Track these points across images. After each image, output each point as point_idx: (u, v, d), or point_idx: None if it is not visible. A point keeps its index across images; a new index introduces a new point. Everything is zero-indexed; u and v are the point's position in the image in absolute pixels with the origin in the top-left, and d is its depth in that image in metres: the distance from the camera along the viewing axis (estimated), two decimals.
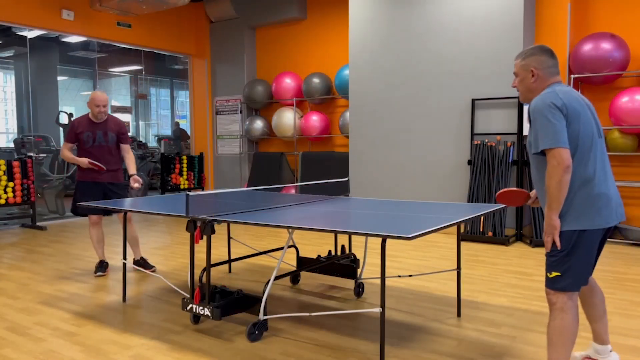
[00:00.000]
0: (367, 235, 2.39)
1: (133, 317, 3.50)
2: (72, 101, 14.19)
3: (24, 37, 11.32)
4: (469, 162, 6.30)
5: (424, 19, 6.61)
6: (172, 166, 9.02)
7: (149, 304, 3.78)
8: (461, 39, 6.36)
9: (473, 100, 6.29)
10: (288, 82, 8.56)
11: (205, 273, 3.23)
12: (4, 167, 6.89)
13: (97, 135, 4.60)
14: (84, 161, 4.51)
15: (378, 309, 2.58)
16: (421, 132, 6.73)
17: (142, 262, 4.77)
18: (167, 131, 16.57)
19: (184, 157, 9.22)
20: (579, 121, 2.18)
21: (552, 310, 2.25)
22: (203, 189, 9.59)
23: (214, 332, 3.18)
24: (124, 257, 3.87)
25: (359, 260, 3.97)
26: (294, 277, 4.31)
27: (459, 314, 3.47)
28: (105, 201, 4.08)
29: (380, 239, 5.43)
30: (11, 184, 6.95)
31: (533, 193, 2.61)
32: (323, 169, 8.13)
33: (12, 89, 12.85)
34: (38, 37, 11.79)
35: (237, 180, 9.68)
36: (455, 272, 4.37)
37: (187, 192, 3.13)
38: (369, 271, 4.66)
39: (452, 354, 2.82)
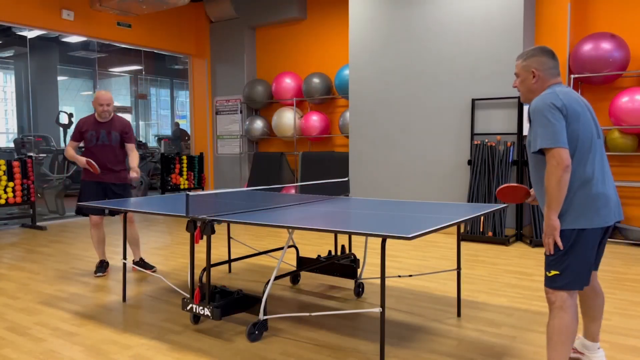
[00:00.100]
0: (367, 235, 2.39)
1: (133, 317, 3.50)
2: (72, 101, 14.19)
3: (24, 37, 11.32)
4: (469, 162, 6.30)
5: (424, 19, 6.61)
6: (172, 166, 9.02)
7: (149, 304, 3.78)
8: (461, 39, 6.36)
9: (473, 100, 6.29)
10: (288, 82, 8.56)
11: (205, 273, 3.23)
12: (4, 167, 6.89)
13: (101, 134, 4.58)
14: (82, 160, 4.49)
15: (378, 309, 2.58)
16: (421, 132, 6.73)
17: (141, 263, 4.77)
18: (167, 131, 16.57)
19: (184, 157, 9.22)
20: (578, 122, 2.19)
21: (552, 309, 2.26)
22: (203, 189, 9.59)
23: (214, 332, 3.18)
24: (124, 257, 3.87)
25: (359, 260, 3.97)
26: (294, 277, 4.31)
27: (459, 314, 3.47)
28: (105, 201, 4.08)
29: (380, 239, 5.43)
30: (11, 184, 6.95)
31: (532, 191, 2.62)
32: (323, 169, 8.13)
33: (12, 89, 12.85)
34: (38, 37, 11.79)
35: (237, 180, 9.68)
36: (455, 272, 4.37)
37: (187, 192, 3.13)
38: (369, 271, 4.66)
39: (452, 354, 2.82)
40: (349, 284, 4.27)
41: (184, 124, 14.60)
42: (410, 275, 3.98)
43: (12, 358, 2.83)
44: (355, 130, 7.31)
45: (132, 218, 4.78)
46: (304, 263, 4.14)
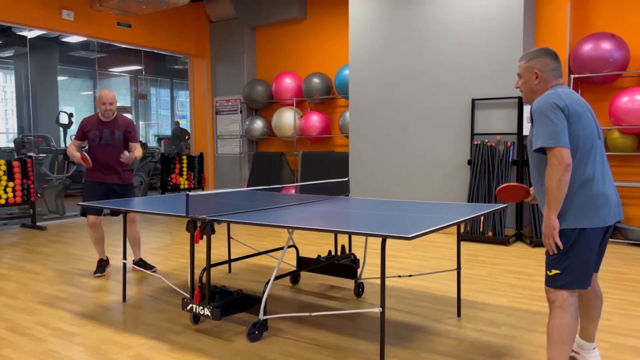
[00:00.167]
0: (367, 235, 2.39)
1: (133, 317, 3.50)
2: (72, 101, 14.19)
3: (24, 37, 11.32)
4: (469, 162, 6.30)
5: (424, 19, 6.61)
6: (172, 166, 9.02)
7: (149, 304, 3.78)
8: (461, 39, 6.36)
9: (473, 100, 6.29)
10: (288, 82, 8.56)
11: (205, 273, 3.23)
12: (4, 167, 6.89)
13: (104, 133, 4.55)
14: (78, 156, 4.47)
15: (378, 309, 2.58)
16: (421, 132, 6.73)
17: (141, 264, 4.76)
18: (167, 131, 16.57)
19: (184, 157, 9.22)
20: (579, 122, 2.21)
21: (552, 309, 2.27)
22: (203, 189, 9.59)
23: (214, 332, 3.18)
24: (124, 257, 3.87)
25: (359, 260, 3.97)
26: (294, 277, 4.31)
27: (459, 314, 3.47)
28: (105, 201, 4.08)
29: (380, 239, 5.43)
30: (11, 184, 6.95)
31: (532, 190, 2.63)
32: (323, 169, 8.13)
33: (12, 89, 12.85)
34: (38, 37, 11.79)
35: (237, 180, 9.68)
36: (455, 272, 4.37)
37: (187, 192, 3.13)
38: (369, 271, 4.66)
39: (452, 354, 2.82)
40: (349, 284, 4.27)
41: (184, 124, 14.61)
42: (410, 275, 3.98)
43: (12, 358, 2.83)
44: (355, 130, 7.31)
45: (134, 218, 4.77)
46: (304, 263, 4.14)
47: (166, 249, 5.85)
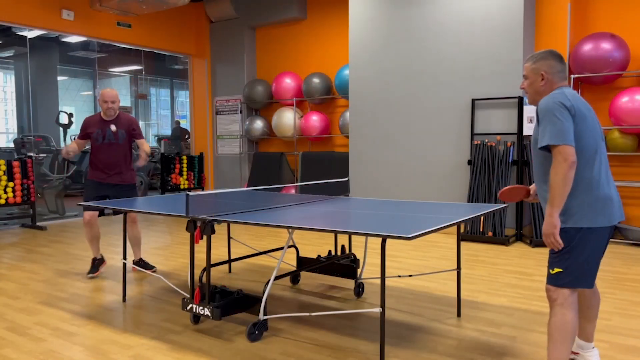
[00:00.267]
0: (367, 235, 2.39)
1: (133, 317, 3.50)
2: (72, 101, 14.20)
3: (24, 37, 11.32)
4: (469, 162, 6.30)
5: (424, 19, 6.61)
6: (172, 166, 9.02)
7: (149, 304, 3.78)
8: (461, 39, 6.36)
9: (473, 100, 6.29)
10: (288, 82, 8.56)
11: (205, 273, 3.23)
12: (4, 167, 6.89)
13: (107, 132, 4.51)
14: (63, 150, 4.48)
15: (378, 309, 2.58)
16: (421, 132, 6.73)
17: (141, 264, 4.76)
18: (167, 131, 16.58)
19: (184, 157, 9.22)
20: (585, 123, 2.24)
21: (553, 307, 2.28)
22: (203, 189, 9.59)
23: (214, 332, 3.18)
24: (124, 257, 3.87)
25: (359, 260, 3.97)
26: (294, 277, 4.31)
27: (459, 314, 3.47)
28: (105, 201, 4.08)
29: (380, 239, 5.43)
30: (11, 184, 6.95)
31: (533, 188, 2.66)
32: (323, 169, 8.13)
33: (12, 89, 12.86)
34: (38, 37, 11.80)
35: (237, 180, 9.68)
36: (455, 272, 4.37)
37: (187, 192, 3.13)
38: (369, 271, 4.66)
39: (452, 354, 2.82)
40: (349, 284, 4.27)
41: (184, 124, 14.61)
42: (410, 275, 3.98)
43: (12, 358, 2.83)
44: (355, 130, 7.31)
45: (136, 218, 4.76)
46: (304, 263, 4.14)
47: (166, 249, 5.85)
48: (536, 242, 5.70)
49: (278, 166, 8.72)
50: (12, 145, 11.33)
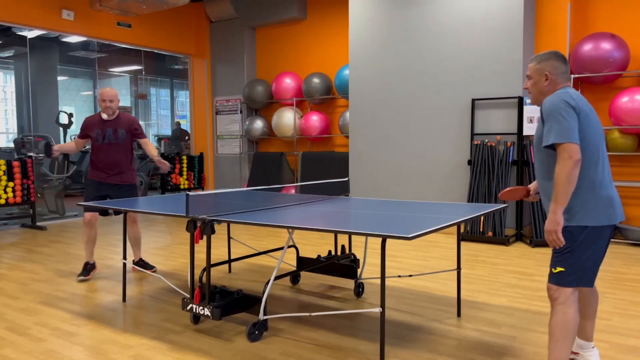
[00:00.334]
0: (367, 235, 2.39)
1: (133, 317, 3.50)
2: (72, 101, 14.20)
3: (24, 37, 11.32)
4: (469, 162, 6.30)
5: (424, 19, 6.61)
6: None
7: (149, 304, 3.78)
8: (461, 39, 6.36)
9: (473, 100, 6.29)
10: (288, 82, 8.56)
11: (205, 273, 3.23)
12: (4, 167, 6.89)
13: (107, 132, 4.48)
14: (55, 147, 4.48)
15: (378, 309, 2.58)
16: (421, 132, 6.73)
17: (141, 264, 4.76)
18: (167, 131, 16.58)
19: (184, 157, 9.22)
20: (589, 124, 2.27)
21: (554, 306, 2.30)
22: (203, 189, 9.59)
23: (214, 332, 3.18)
24: (124, 257, 3.87)
25: (359, 260, 3.97)
26: (294, 277, 4.31)
27: (459, 314, 3.47)
28: (105, 201, 4.07)
29: (380, 239, 5.43)
30: (11, 184, 6.95)
31: (532, 187, 2.70)
32: (323, 169, 8.13)
33: (12, 89, 12.86)
34: (38, 37, 11.80)
35: (237, 180, 9.68)
36: (455, 272, 4.37)
37: (187, 192, 3.13)
38: (369, 271, 4.66)
39: (452, 354, 2.82)
40: (349, 284, 4.27)
41: (184, 124, 14.61)
42: (410, 275, 3.98)
43: (12, 358, 2.83)
44: (355, 130, 7.31)
45: (136, 218, 4.76)
46: (304, 263, 4.14)
47: (166, 249, 5.85)
48: (536, 242, 5.70)
49: (278, 166, 8.72)
50: (12, 145, 11.33)
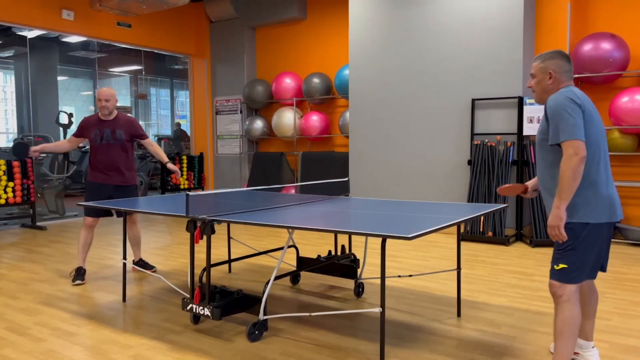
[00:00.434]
0: (367, 235, 2.39)
1: (133, 317, 3.50)
2: (72, 101, 14.20)
3: (24, 37, 11.33)
4: (469, 162, 6.30)
5: (424, 19, 6.61)
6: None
7: (149, 304, 3.78)
8: (461, 39, 6.36)
9: (473, 100, 6.29)
10: (288, 82, 8.56)
11: (205, 273, 3.23)
12: (4, 167, 6.89)
13: (105, 133, 4.44)
14: (37, 148, 4.43)
15: (378, 309, 2.58)
16: (421, 132, 6.73)
17: (141, 264, 4.75)
18: (167, 131, 16.59)
19: (184, 157, 9.22)
20: (592, 122, 2.30)
21: (559, 303, 2.32)
22: (203, 189, 9.59)
23: (214, 332, 3.18)
24: (124, 257, 3.87)
25: (359, 260, 3.97)
26: (294, 277, 4.31)
27: (459, 314, 3.47)
28: (106, 201, 4.07)
29: (380, 239, 5.43)
30: (11, 184, 6.95)
31: (531, 184, 2.74)
32: (323, 169, 8.13)
33: (12, 89, 12.86)
34: (38, 37, 11.80)
35: (237, 180, 9.68)
36: (455, 272, 4.37)
37: (187, 192, 3.13)
38: (369, 271, 4.66)
39: (452, 354, 2.82)
40: (349, 284, 4.27)
41: (184, 124, 14.62)
42: (410, 275, 3.98)
43: (12, 358, 2.83)
44: (355, 130, 7.31)
45: (135, 218, 4.75)
46: (304, 263, 4.14)
47: (166, 249, 5.85)
48: (536, 242, 5.70)
49: (278, 166, 8.72)
50: (12, 145, 11.31)
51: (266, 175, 8.80)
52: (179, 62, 15.53)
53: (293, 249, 5.58)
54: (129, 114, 4.85)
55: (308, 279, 4.43)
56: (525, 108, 5.94)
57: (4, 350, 2.94)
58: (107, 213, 4.60)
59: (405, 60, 6.80)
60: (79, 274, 4.40)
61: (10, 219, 7.58)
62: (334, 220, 2.87)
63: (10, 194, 6.95)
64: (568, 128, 2.21)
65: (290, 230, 3.04)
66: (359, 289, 3.91)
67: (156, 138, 14.94)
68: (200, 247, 5.80)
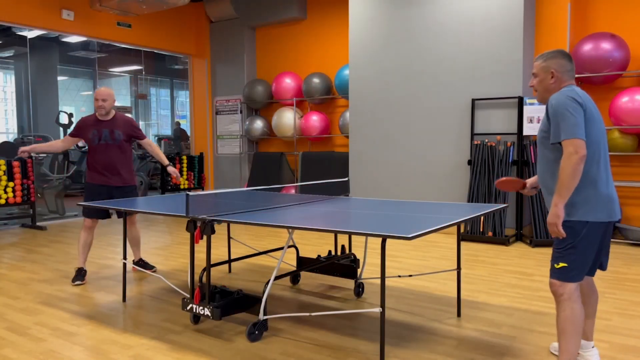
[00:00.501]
0: (367, 235, 2.39)
1: (133, 317, 3.50)
2: (72, 101, 14.20)
3: (24, 37, 11.33)
4: (469, 162, 6.30)
5: (424, 19, 6.61)
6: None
7: (149, 304, 3.78)
8: (461, 39, 6.36)
9: (473, 100, 6.29)
10: (288, 82, 8.56)
11: (205, 273, 3.23)
12: (4, 167, 6.89)
13: (103, 133, 4.40)
14: (27, 148, 4.37)
15: (378, 309, 2.58)
16: (421, 132, 6.73)
17: (141, 264, 4.75)
18: (167, 131, 16.59)
19: (184, 157, 9.22)
20: (593, 121, 2.31)
21: (560, 302, 2.33)
22: (203, 189, 9.59)
23: (214, 332, 3.18)
24: (124, 257, 3.87)
25: (359, 260, 3.97)
26: (294, 277, 4.31)
27: (459, 314, 3.47)
28: (104, 201, 4.07)
29: (380, 239, 5.43)
30: (11, 184, 6.95)
31: (530, 182, 2.76)
32: (323, 169, 8.13)
33: (12, 89, 12.85)
34: (38, 37, 11.80)
35: (237, 180, 9.68)
36: (455, 272, 4.37)
37: (187, 192, 3.13)
38: (369, 271, 4.66)
39: (452, 354, 2.82)
40: (349, 284, 4.27)
41: (184, 124, 14.62)
42: (410, 275, 3.98)
43: (12, 358, 2.83)
44: (355, 130, 7.31)
45: (135, 219, 4.74)
46: (304, 263, 4.14)
47: (166, 249, 5.85)
48: (536, 242, 5.70)
49: (278, 166, 8.72)
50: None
51: (266, 175, 8.80)
52: (179, 62, 15.53)
53: (293, 249, 5.58)
54: (128, 114, 4.84)
55: (308, 279, 4.43)
56: (525, 108, 5.94)
57: (4, 350, 2.94)
58: (105, 215, 4.56)
59: (405, 60, 6.80)
60: (79, 274, 4.39)
61: (10, 219, 7.58)
62: (334, 220, 2.87)
63: (10, 194, 6.95)
64: (569, 127, 2.22)
65: (290, 230, 3.04)
66: (359, 289, 3.91)
67: (156, 138, 14.94)
68: (200, 247, 5.80)
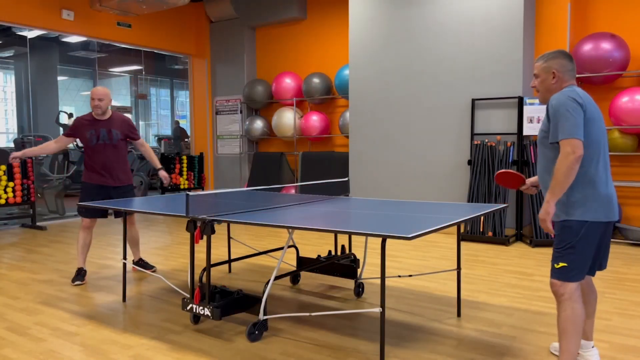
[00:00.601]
0: (367, 235, 2.39)
1: (133, 317, 3.50)
2: (72, 101, 14.20)
3: (24, 37, 11.33)
4: (469, 162, 6.30)
5: (424, 19, 6.61)
6: (172, 166, 9.02)
7: (149, 304, 3.78)
8: (461, 39, 6.36)
9: (473, 100, 6.29)
10: (288, 82, 8.56)
11: (205, 273, 3.23)
12: (4, 167, 6.89)
13: (101, 133, 4.36)
14: (18, 154, 4.30)
15: (378, 309, 2.58)
16: (421, 132, 6.73)
17: (141, 264, 4.75)
18: (167, 131, 16.59)
19: (184, 157, 9.22)
20: (593, 121, 2.32)
21: (561, 302, 2.34)
22: (203, 189, 9.59)
23: (214, 332, 3.18)
24: (124, 257, 3.87)
25: (359, 260, 3.97)
26: (294, 277, 4.31)
27: (459, 314, 3.47)
28: (104, 201, 4.07)
29: (380, 239, 5.43)
30: (11, 184, 6.95)
31: (529, 181, 2.77)
32: (323, 169, 8.13)
33: (12, 89, 12.85)
34: (38, 37, 11.80)
35: (237, 180, 9.68)
36: (455, 272, 4.37)
37: (187, 192, 3.13)
38: (369, 271, 4.66)
39: (452, 354, 2.82)
40: (349, 284, 4.27)
41: (184, 124, 14.62)
42: (410, 275, 3.98)
43: (12, 358, 2.83)
44: (355, 130, 7.31)
45: (133, 219, 4.74)
46: (304, 263, 4.14)
47: (166, 249, 5.85)
48: (536, 242, 5.70)
49: (278, 166, 8.72)
50: (12, 145, 11.33)
51: (266, 175, 8.80)
52: (179, 62, 15.53)
53: (293, 249, 5.58)
54: (128, 114, 4.83)
55: (308, 279, 4.43)
56: (525, 108, 5.94)
57: (4, 350, 2.94)
58: (103, 214, 4.54)
59: (405, 60, 6.80)
60: (79, 274, 4.39)
61: (10, 219, 7.58)
62: (334, 220, 2.87)
63: (11, 194, 6.95)
64: (568, 127, 2.23)
65: (290, 230, 3.04)
66: (359, 289, 3.91)
67: (156, 138, 14.94)
68: (200, 247, 5.80)
